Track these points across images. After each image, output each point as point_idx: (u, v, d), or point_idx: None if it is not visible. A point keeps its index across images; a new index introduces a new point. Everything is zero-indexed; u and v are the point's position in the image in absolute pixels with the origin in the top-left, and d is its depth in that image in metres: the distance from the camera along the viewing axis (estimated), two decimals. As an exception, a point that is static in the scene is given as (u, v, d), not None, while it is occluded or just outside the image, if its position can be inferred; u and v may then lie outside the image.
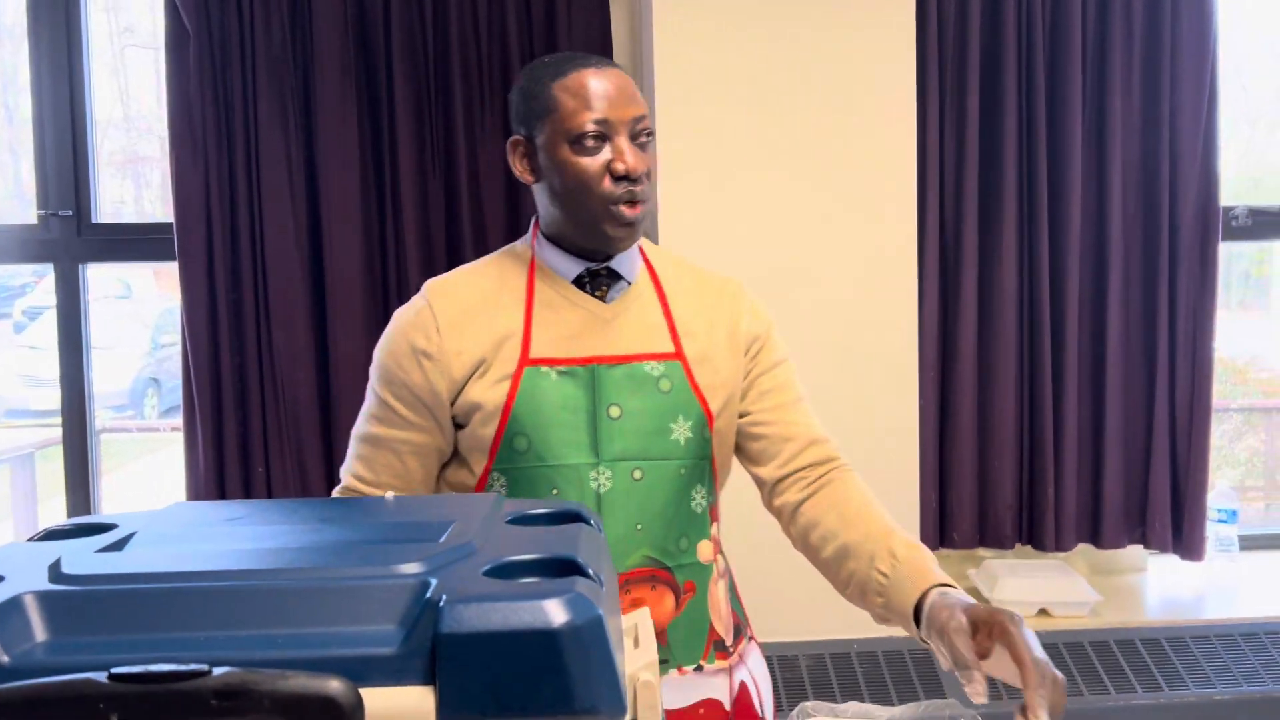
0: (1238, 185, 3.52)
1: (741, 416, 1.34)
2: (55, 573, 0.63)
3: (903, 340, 2.14)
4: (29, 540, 0.77)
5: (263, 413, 2.26)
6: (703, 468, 1.30)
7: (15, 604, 0.59)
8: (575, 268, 1.30)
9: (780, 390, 1.35)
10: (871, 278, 2.13)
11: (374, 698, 0.54)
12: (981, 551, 2.41)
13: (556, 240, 1.30)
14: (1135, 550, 2.48)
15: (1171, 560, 2.48)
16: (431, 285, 1.33)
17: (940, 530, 2.36)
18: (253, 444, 2.27)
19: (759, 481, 1.35)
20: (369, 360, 2.31)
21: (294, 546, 0.71)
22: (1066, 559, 2.40)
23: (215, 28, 2.21)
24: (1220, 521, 2.51)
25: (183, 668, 0.50)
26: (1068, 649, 2.03)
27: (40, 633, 0.59)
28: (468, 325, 1.27)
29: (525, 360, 1.26)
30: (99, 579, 0.62)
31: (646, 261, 1.35)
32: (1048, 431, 2.34)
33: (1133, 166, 2.38)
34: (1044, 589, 2.18)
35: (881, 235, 2.13)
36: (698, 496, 1.30)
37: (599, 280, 1.30)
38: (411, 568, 0.64)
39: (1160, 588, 2.43)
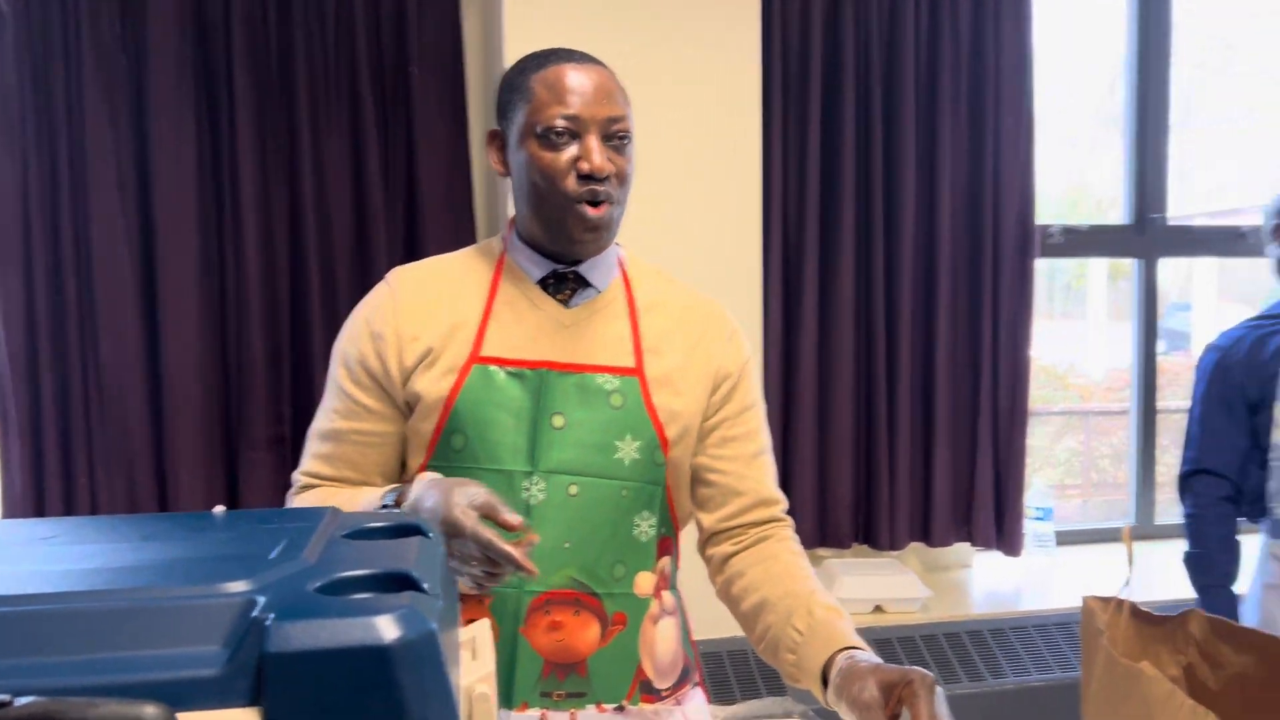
0: (1059, 204, 3.74)
1: (695, 456, 1.29)
2: None
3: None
4: None
5: (87, 426, 2.13)
6: (651, 494, 1.24)
7: None
8: (541, 269, 1.26)
9: (742, 440, 1.30)
10: (719, 290, 2.18)
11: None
12: (821, 551, 2.51)
13: (527, 239, 1.27)
14: (962, 547, 2.63)
15: (995, 556, 2.64)
16: (397, 270, 1.30)
17: (784, 532, 2.44)
18: (75, 460, 2.13)
19: (698, 525, 1.32)
20: (203, 369, 2.22)
21: (112, 567, 0.68)
22: (900, 557, 2.52)
23: (36, 11, 2.08)
24: (1037, 519, 2.68)
25: (-16, 700, 0.48)
26: (900, 643, 2.14)
27: None
28: (425, 312, 1.24)
29: (475, 356, 1.22)
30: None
31: (624, 272, 1.31)
32: (882, 435, 2.45)
33: (960, 188, 2.52)
34: (879, 587, 2.28)
35: (728, 249, 2.19)
36: (642, 524, 1.23)
37: (563, 284, 1.26)
38: (237, 586, 0.62)
39: (984, 583, 2.58)
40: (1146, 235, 2.90)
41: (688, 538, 1.34)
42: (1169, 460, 3.04)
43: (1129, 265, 2.99)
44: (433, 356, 1.23)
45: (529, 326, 1.24)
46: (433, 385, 1.22)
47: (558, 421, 1.21)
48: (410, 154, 2.25)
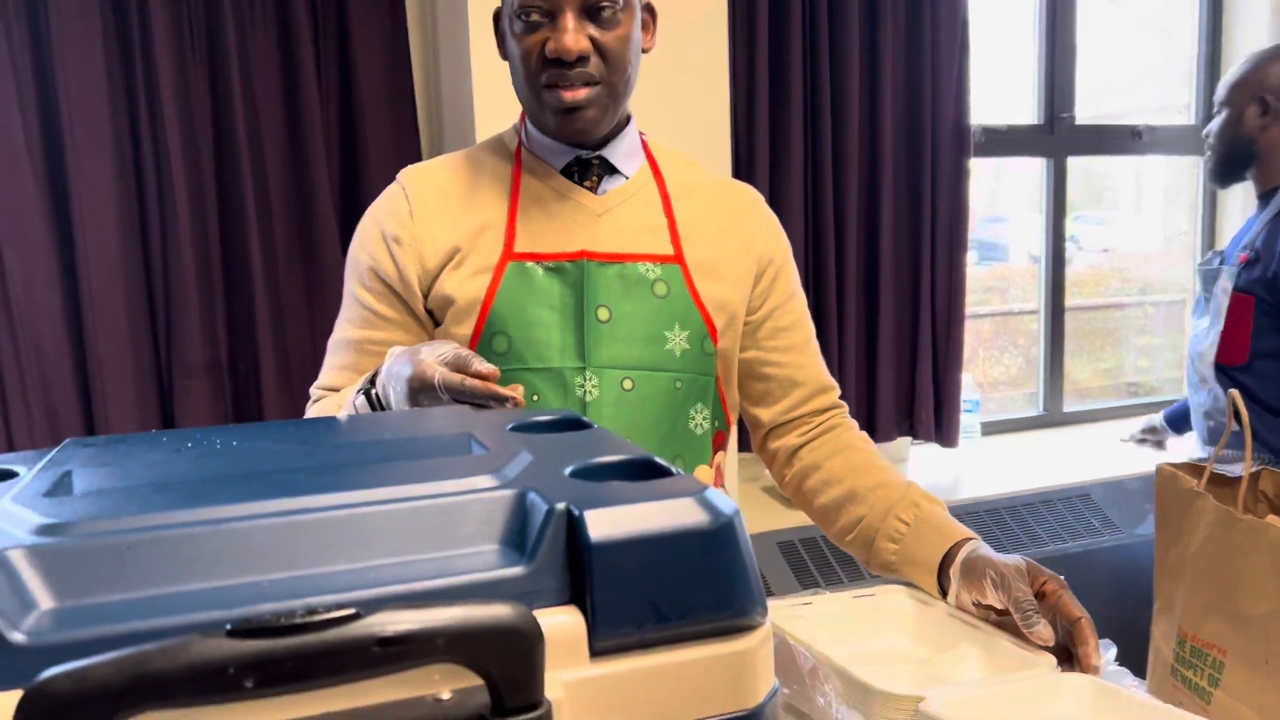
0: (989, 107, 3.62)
1: (744, 351, 1.26)
2: (28, 524, 0.48)
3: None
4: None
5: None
6: (705, 386, 1.21)
7: (1, 566, 0.44)
8: (564, 156, 1.19)
9: (794, 329, 1.27)
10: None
11: (525, 625, 0.46)
12: (772, 453, 2.54)
13: (541, 128, 1.19)
14: (901, 442, 2.71)
15: (929, 449, 2.74)
16: (407, 170, 1.22)
17: (738, 434, 2.45)
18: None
19: (753, 422, 1.29)
20: (128, 285, 2.01)
21: (310, 468, 0.59)
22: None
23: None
24: (967, 412, 2.79)
25: (324, 613, 0.40)
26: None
27: (45, 598, 0.45)
28: (444, 211, 1.17)
29: (509, 254, 1.15)
30: (100, 526, 0.48)
31: (650, 157, 1.24)
32: (831, 335, 2.48)
33: (900, 89, 2.53)
34: (841, 482, 2.33)
35: (695, 137, 2.12)
36: (698, 417, 1.21)
37: (589, 170, 1.19)
38: (483, 480, 0.55)
39: (922, 474, 2.67)
40: (1056, 135, 3.00)
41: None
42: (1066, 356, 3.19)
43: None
44: (460, 256, 1.16)
45: (560, 218, 1.18)
46: (464, 286, 1.15)
47: (603, 314, 1.16)
48: (343, 36, 2.07)
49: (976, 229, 3.91)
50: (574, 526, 0.49)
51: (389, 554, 0.50)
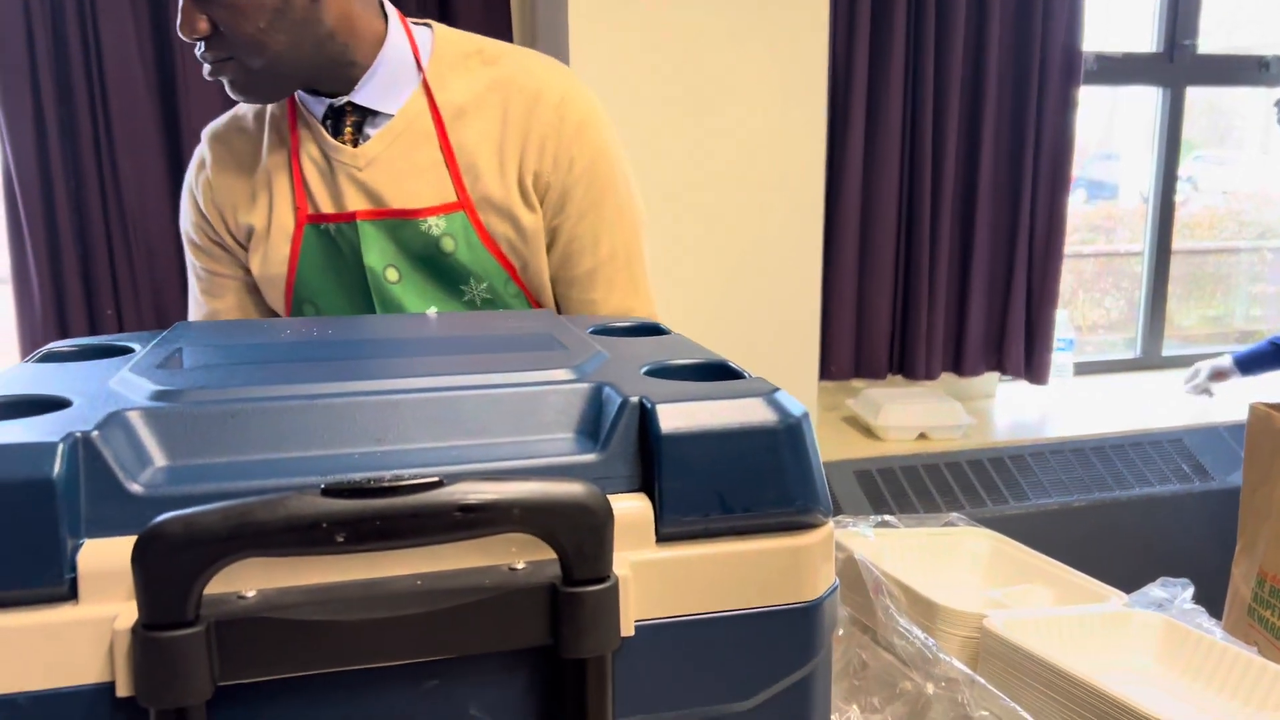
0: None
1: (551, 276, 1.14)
2: (145, 390, 0.52)
3: (808, 174, 2.13)
4: (32, 362, 0.65)
5: (109, 248, 2.01)
6: None
7: (119, 423, 0.48)
8: (318, 106, 1.09)
9: (580, 257, 1.10)
10: (777, 109, 2.10)
11: (595, 506, 0.49)
12: (856, 382, 2.53)
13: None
14: (988, 377, 2.67)
15: (1016, 386, 2.69)
16: (207, 131, 1.17)
17: (822, 363, 2.45)
18: (98, 286, 2.02)
19: None
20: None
21: (401, 354, 0.62)
22: (929, 387, 2.55)
23: None
24: (1060, 350, 2.73)
25: (410, 479, 0.43)
26: (947, 468, 2.18)
27: (159, 456, 0.49)
28: (242, 175, 1.12)
29: (303, 215, 1.09)
30: (208, 395, 0.52)
31: (422, 74, 1.08)
32: (923, 265, 2.43)
33: (1009, 9, 2.43)
34: (924, 414, 2.31)
35: (790, 66, 2.09)
36: None
37: (342, 121, 1.08)
38: (562, 374, 0.58)
39: (1008, 411, 2.63)
40: (1175, 64, 2.86)
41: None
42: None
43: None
44: (261, 228, 1.11)
45: (332, 176, 1.08)
46: (273, 255, 1.10)
47: (392, 275, 1.07)
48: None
49: (1087, 165, 3.76)
50: (646, 418, 0.51)
51: (471, 436, 0.52)
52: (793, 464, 0.52)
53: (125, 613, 0.43)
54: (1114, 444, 2.31)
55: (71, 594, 0.43)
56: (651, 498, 0.51)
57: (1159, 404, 2.68)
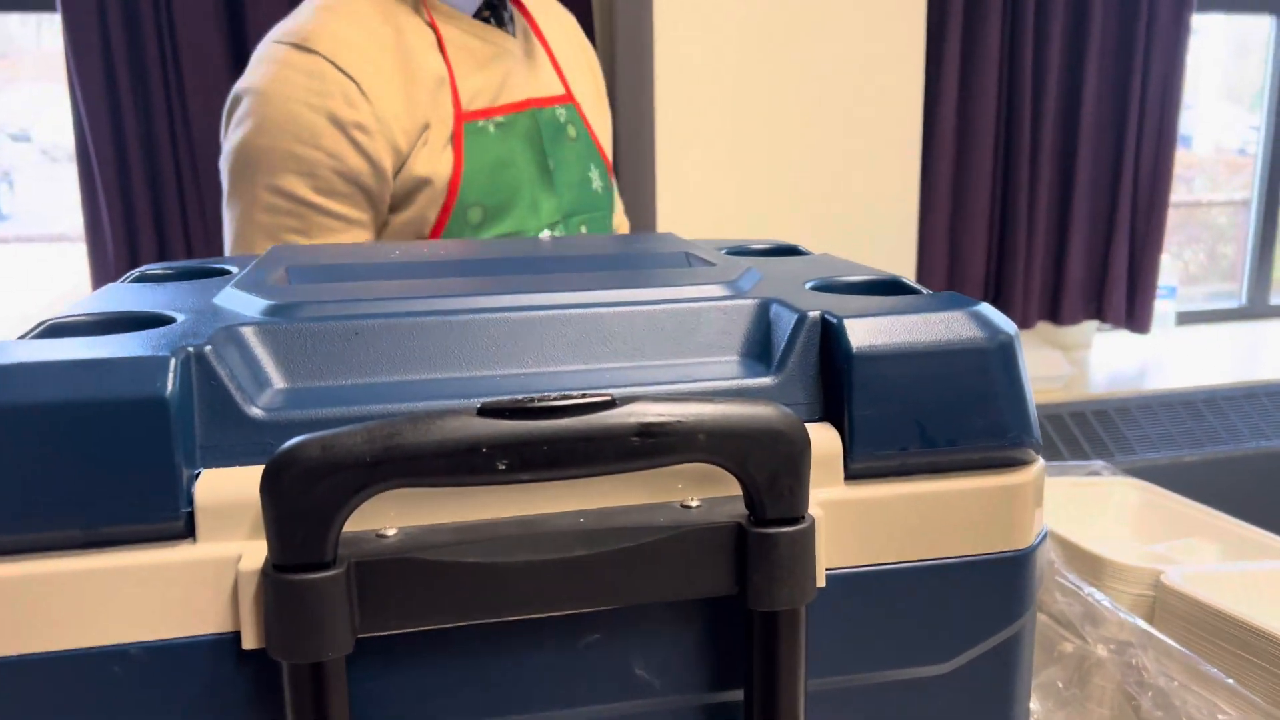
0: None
1: None
2: (257, 305, 0.46)
3: (906, 113, 2.01)
4: (125, 283, 0.59)
5: (180, 202, 1.98)
6: (615, 224, 1.23)
7: (233, 339, 0.42)
8: (472, 0, 1.07)
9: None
10: (872, 40, 1.98)
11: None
12: (945, 331, 2.41)
13: None
14: (1086, 326, 2.54)
15: (1115, 336, 2.56)
16: (313, 37, 0.97)
17: (909, 311, 2.34)
18: (171, 240, 1.99)
19: None
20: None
21: (536, 270, 0.56)
22: (1025, 335, 2.43)
23: None
24: (1161, 297, 2.59)
25: (579, 397, 0.36)
26: (1049, 421, 2.08)
27: (277, 378, 0.43)
28: (392, 80, 1.00)
29: (461, 115, 1.03)
30: (327, 311, 0.45)
31: None
32: (1021, 207, 2.31)
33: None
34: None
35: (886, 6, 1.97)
36: None
37: (497, 10, 1.10)
38: (716, 290, 0.50)
39: (1109, 361, 2.51)
40: (1293, -10, 2.66)
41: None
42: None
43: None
44: (427, 130, 1.02)
45: (493, 68, 1.06)
46: (436, 163, 1.02)
47: (551, 164, 1.10)
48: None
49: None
50: (830, 336, 0.44)
51: (623, 358, 0.45)
52: (1005, 389, 0.45)
53: (251, 552, 0.37)
54: (1224, 395, 2.18)
55: (188, 531, 0.38)
56: (839, 428, 0.43)
57: (1268, 354, 2.53)
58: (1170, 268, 2.55)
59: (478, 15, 1.07)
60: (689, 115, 1.87)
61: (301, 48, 0.96)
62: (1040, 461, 0.47)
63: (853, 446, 0.43)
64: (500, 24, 1.10)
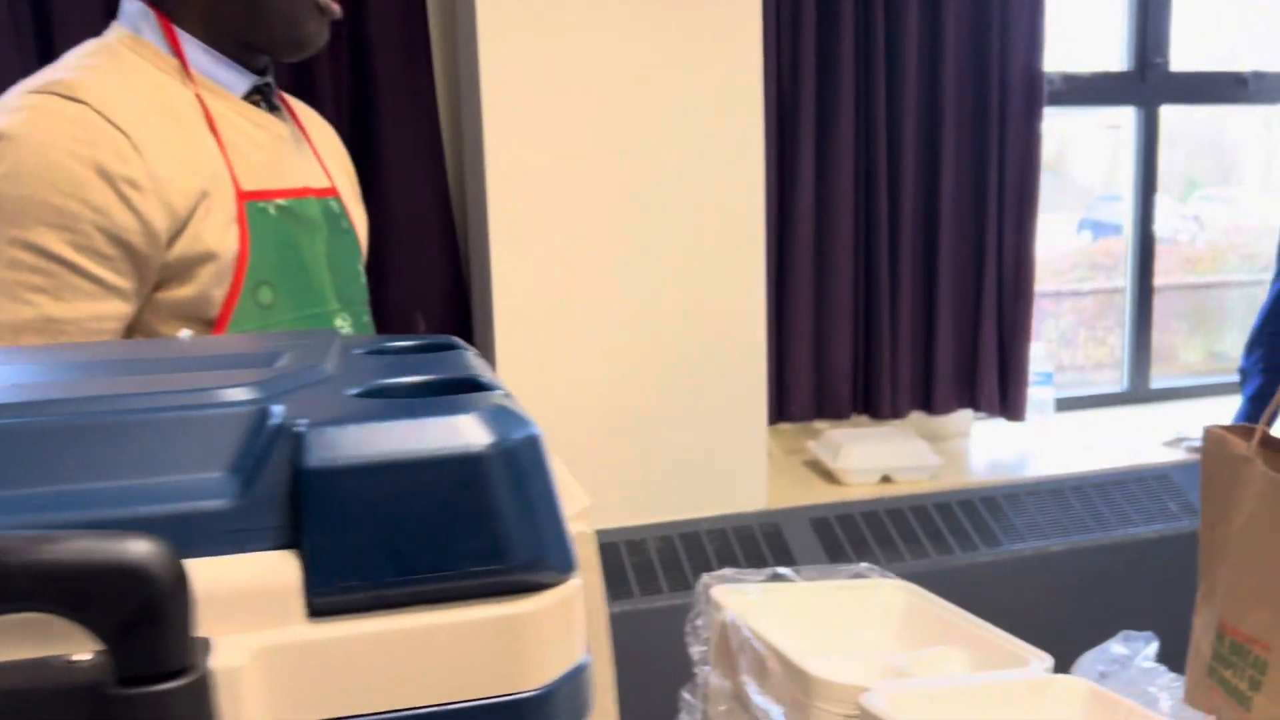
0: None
1: None
2: None
3: (748, 208, 2.02)
4: None
5: None
6: (370, 320, 1.22)
7: None
8: (245, 80, 1.06)
9: None
10: (715, 138, 1.98)
11: (206, 569, 0.36)
12: (818, 424, 2.38)
13: (219, 46, 1.02)
14: (962, 415, 2.52)
15: (992, 424, 2.54)
16: (79, 87, 0.91)
17: (778, 404, 2.31)
18: None
19: None
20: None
21: (59, 381, 0.49)
22: (899, 426, 2.41)
23: None
24: (1037, 384, 2.59)
25: None
26: (912, 513, 2.03)
27: None
28: (165, 139, 0.94)
29: (241, 194, 0.99)
30: None
31: None
32: (884, 298, 2.31)
33: (965, 28, 2.33)
34: (889, 455, 2.16)
35: (725, 96, 1.98)
36: None
37: (266, 96, 1.10)
38: (237, 393, 0.44)
39: (984, 450, 2.49)
40: (1147, 82, 2.75)
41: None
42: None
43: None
44: (208, 200, 0.96)
45: (266, 150, 1.06)
46: (223, 237, 0.96)
47: (326, 250, 1.09)
48: None
49: (1092, 207, 3.73)
50: (297, 449, 0.38)
51: (66, 480, 0.39)
52: (509, 503, 0.39)
53: None
54: (1095, 483, 2.16)
55: None
56: (301, 555, 0.37)
57: (1146, 439, 2.53)
58: (1093, 355, 2.55)
59: (247, 98, 1.07)
60: (521, 211, 1.85)
61: (66, 97, 0.90)
62: (570, 583, 0.41)
63: (314, 578, 0.37)
64: (271, 109, 1.10)
